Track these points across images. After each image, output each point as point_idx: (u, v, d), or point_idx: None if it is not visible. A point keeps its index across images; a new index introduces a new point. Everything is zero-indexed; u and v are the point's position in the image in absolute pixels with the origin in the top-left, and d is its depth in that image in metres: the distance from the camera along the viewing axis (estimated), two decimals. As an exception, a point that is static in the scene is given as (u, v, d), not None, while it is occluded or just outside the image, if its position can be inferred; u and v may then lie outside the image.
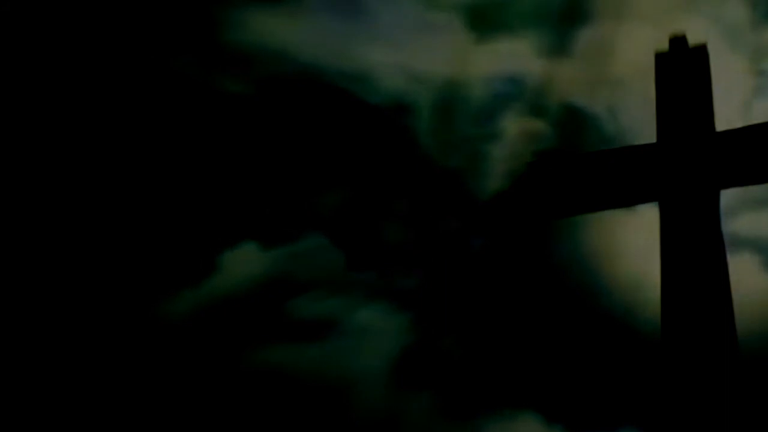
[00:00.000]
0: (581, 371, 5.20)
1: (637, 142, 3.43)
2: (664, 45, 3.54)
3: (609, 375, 5.13)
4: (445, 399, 5.30)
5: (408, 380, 5.47)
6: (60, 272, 5.65)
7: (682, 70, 3.44)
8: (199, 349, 5.58)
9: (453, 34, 6.75)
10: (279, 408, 5.36)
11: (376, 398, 5.42)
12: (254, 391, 5.43)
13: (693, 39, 3.51)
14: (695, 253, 3.01)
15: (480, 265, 5.46)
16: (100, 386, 5.31)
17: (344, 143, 6.45)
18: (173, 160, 6.22)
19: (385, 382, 5.50)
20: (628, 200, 3.35)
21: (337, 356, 5.65)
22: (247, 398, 5.40)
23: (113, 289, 5.70)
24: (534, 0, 6.80)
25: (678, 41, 3.52)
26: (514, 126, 6.43)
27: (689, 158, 3.25)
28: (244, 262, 6.10)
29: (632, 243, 5.12)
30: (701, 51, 3.47)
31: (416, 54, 6.70)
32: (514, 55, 6.70)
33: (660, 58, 3.52)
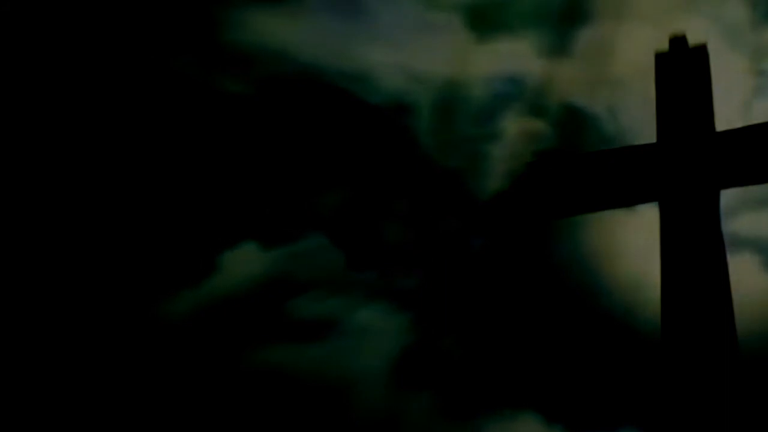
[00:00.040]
0: (581, 371, 5.20)
1: (637, 142, 3.43)
2: (664, 45, 3.54)
3: (609, 375, 5.13)
4: (445, 399, 5.30)
5: (408, 380, 5.47)
6: (61, 272, 5.65)
7: (682, 70, 3.44)
8: (200, 349, 5.58)
9: (453, 34, 6.75)
10: (279, 408, 5.36)
11: (376, 398, 5.42)
12: (254, 391, 5.43)
13: (693, 39, 3.51)
14: (695, 253, 3.01)
15: (480, 265, 5.46)
16: (101, 386, 5.31)
17: (344, 143, 6.45)
18: (173, 161, 6.22)
19: (385, 382, 5.50)
20: (628, 200, 3.35)
21: (337, 356, 5.65)
22: (247, 398, 5.40)
23: (114, 289, 5.70)
24: (534, 0, 6.80)
25: (678, 41, 3.52)
26: (514, 126, 6.43)
27: (689, 158, 3.25)
28: (244, 262, 6.11)
29: (632, 243, 5.12)
30: (701, 51, 3.47)
31: (416, 54, 6.71)
32: (514, 55, 6.70)
33: (660, 58, 3.52)
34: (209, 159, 6.28)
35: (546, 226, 3.61)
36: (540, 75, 6.53)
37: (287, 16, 6.72)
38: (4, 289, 5.45)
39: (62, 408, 5.20)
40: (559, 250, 5.03)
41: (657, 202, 3.24)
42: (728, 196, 3.21)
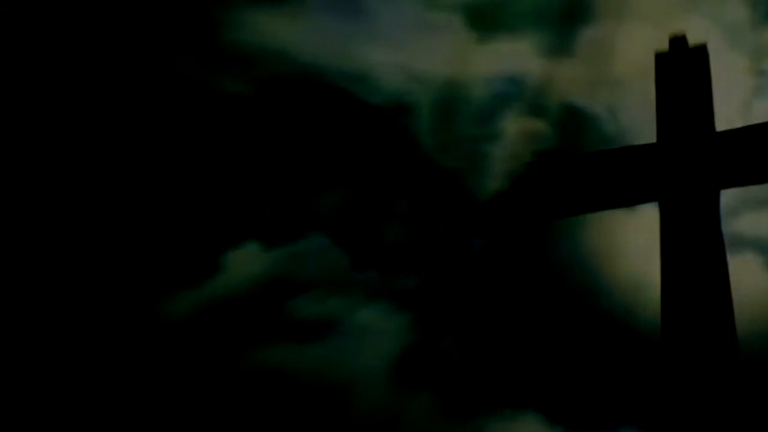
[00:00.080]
0: (581, 371, 5.20)
1: (637, 142, 3.43)
2: (664, 45, 3.54)
3: (609, 375, 5.13)
4: (445, 399, 5.30)
5: (408, 380, 5.47)
6: (63, 273, 5.65)
7: (682, 70, 3.44)
8: (203, 349, 5.58)
9: (453, 34, 6.75)
10: (279, 408, 5.37)
11: (376, 398, 5.42)
12: (255, 391, 5.43)
13: (693, 39, 3.51)
14: (695, 253, 3.01)
15: (480, 265, 5.46)
16: (103, 386, 5.32)
17: (345, 143, 6.45)
18: (174, 161, 6.22)
19: (385, 382, 5.50)
20: (628, 200, 3.35)
21: (337, 356, 5.65)
22: (247, 398, 5.40)
23: (117, 289, 5.70)
24: (534, 0, 6.80)
25: (678, 41, 3.52)
26: (514, 126, 6.43)
27: (689, 158, 3.25)
28: (247, 262, 6.11)
29: (632, 243, 5.12)
30: (701, 51, 3.47)
31: (416, 54, 6.70)
32: (514, 55, 6.70)
33: (660, 58, 3.52)
34: (210, 159, 6.28)
35: (546, 226, 3.61)
36: (540, 75, 6.53)
37: (287, 16, 6.72)
38: (9, 289, 5.45)
39: (65, 408, 5.20)
40: (559, 250, 5.03)
41: (657, 202, 3.24)
42: (728, 196, 3.21)
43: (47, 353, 5.37)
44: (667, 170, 3.25)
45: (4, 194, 5.72)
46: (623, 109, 6.27)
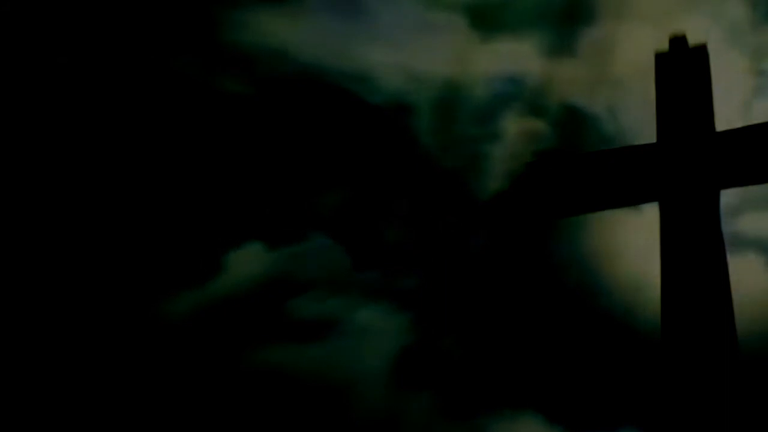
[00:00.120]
0: (582, 371, 5.20)
1: (637, 142, 3.43)
2: (664, 45, 3.54)
3: (609, 375, 5.13)
4: (445, 399, 5.30)
5: (408, 380, 5.47)
6: (66, 273, 5.65)
7: (682, 70, 3.44)
8: (205, 349, 5.58)
9: (453, 34, 6.75)
10: (279, 408, 5.37)
11: (376, 398, 5.42)
12: (255, 390, 5.43)
13: (693, 39, 3.51)
14: (695, 253, 3.01)
15: (480, 265, 5.46)
16: (105, 386, 5.32)
17: (345, 143, 6.45)
18: (175, 161, 6.22)
19: (385, 382, 5.50)
20: (629, 200, 3.35)
21: (338, 356, 5.65)
22: (248, 398, 5.40)
23: (119, 289, 5.70)
24: (534, 0, 6.80)
25: (678, 41, 3.52)
26: (514, 126, 6.43)
27: (689, 158, 3.25)
28: (248, 262, 6.11)
29: (632, 243, 5.12)
30: (701, 51, 3.47)
31: (416, 54, 6.71)
32: (514, 55, 6.70)
33: (660, 58, 3.52)
34: (211, 160, 6.29)
35: (546, 226, 3.62)
36: (540, 75, 6.53)
37: (287, 16, 6.72)
38: (12, 289, 5.46)
39: (67, 407, 5.20)
40: (559, 250, 5.03)
41: (657, 202, 3.24)
42: (728, 196, 3.21)
43: (50, 353, 5.37)
44: (667, 170, 3.25)
45: (6, 194, 5.72)
46: (623, 109, 6.27)
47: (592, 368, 5.20)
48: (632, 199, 3.33)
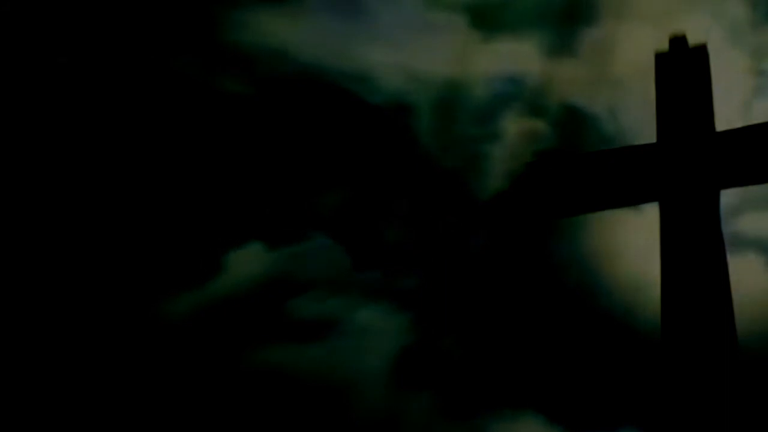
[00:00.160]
0: (582, 371, 5.20)
1: (637, 142, 3.43)
2: (664, 45, 3.54)
3: (609, 375, 5.13)
4: (445, 399, 5.30)
5: (408, 380, 5.47)
6: (66, 274, 5.65)
7: (682, 70, 3.44)
8: (205, 349, 5.58)
9: (453, 34, 6.75)
10: (279, 408, 5.37)
11: (376, 398, 5.42)
12: (255, 390, 5.43)
13: (693, 39, 3.51)
14: (695, 253, 3.01)
15: (480, 265, 5.46)
16: (105, 386, 5.32)
17: (345, 143, 6.45)
18: (176, 161, 6.22)
19: (385, 382, 5.50)
20: (629, 200, 3.35)
21: (338, 356, 5.65)
22: (248, 398, 5.40)
23: (120, 289, 5.70)
24: (534, 0, 6.80)
25: (678, 41, 3.52)
26: (514, 126, 6.43)
27: (689, 158, 3.25)
28: (249, 262, 6.11)
29: (632, 243, 5.12)
30: (701, 51, 3.47)
31: (416, 54, 6.71)
32: (514, 55, 6.70)
33: (660, 58, 3.52)
34: (211, 160, 6.29)
35: (546, 226, 3.62)
36: (540, 75, 6.53)
37: (287, 16, 6.72)
38: (13, 289, 5.46)
39: (68, 407, 5.20)
40: (559, 250, 5.03)
41: (657, 202, 3.24)
42: (728, 196, 3.21)
43: (50, 353, 5.37)
44: (668, 170, 3.25)
45: (7, 195, 5.72)
46: (623, 109, 6.27)
47: (592, 368, 5.21)
48: (632, 199, 3.33)
